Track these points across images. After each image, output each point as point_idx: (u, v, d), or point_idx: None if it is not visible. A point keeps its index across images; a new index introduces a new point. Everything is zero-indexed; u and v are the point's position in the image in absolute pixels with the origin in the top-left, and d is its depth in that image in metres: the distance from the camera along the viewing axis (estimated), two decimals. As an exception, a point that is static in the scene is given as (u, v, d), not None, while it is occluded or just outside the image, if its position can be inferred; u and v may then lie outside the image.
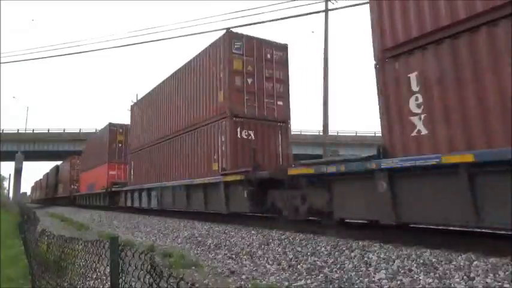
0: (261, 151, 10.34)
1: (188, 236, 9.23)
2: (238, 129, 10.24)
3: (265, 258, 6.17)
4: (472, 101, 4.78)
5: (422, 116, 5.31)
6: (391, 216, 5.54)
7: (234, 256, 6.68)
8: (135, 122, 18.94)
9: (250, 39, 10.92)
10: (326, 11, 21.11)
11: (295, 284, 4.73)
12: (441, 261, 4.50)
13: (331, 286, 4.54)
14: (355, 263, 5.12)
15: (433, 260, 4.60)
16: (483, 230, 5.78)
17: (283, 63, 11.39)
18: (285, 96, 11.23)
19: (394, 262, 4.80)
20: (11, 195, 61.12)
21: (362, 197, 6.15)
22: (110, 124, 23.98)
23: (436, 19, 5.22)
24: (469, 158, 4.52)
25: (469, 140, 4.78)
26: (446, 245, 5.05)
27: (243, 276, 5.21)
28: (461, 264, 4.32)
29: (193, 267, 5.80)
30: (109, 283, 2.28)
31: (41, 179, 59.98)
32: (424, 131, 5.29)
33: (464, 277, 4.02)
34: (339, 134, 50.05)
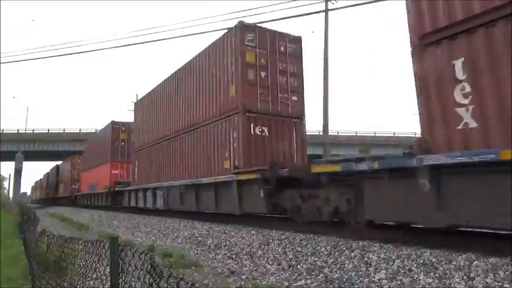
0: (275, 149, 9.97)
1: (188, 236, 9.23)
2: (252, 125, 9.74)
3: (265, 258, 6.17)
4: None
5: (470, 108, 4.76)
6: (437, 218, 4.99)
7: (234, 256, 6.68)
8: (140, 119, 18.31)
9: (263, 31, 10.52)
10: (326, 11, 21.11)
11: (295, 284, 4.73)
12: (441, 261, 4.50)
13: (331, 286, 4.54)
14: (355, 263, 5.12)
15: (433, 260, 4.60)
16: (483, 230, 5.79)
17: (297, 57, 10.89)
18: (300, 91, 10.72)
19: (394, 262, 4.80)
20: (11, 195, 61.12)
21: (399, 198, 5.53)
22: (113, 122, 23.42)
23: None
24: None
25: None
26: (446, 245, 5.04)
27: (243, 276, 5.21)
28: (461, 264, 4.32)
29: (193, 267, 5.81)
30: (109, 283, 2.28)
31: (41, 179, 59.94)
32: (472, 124, 4.76)
33: (464, 277, 4.02)
34: (339, 134, 50.08)
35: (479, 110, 4.71)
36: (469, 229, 5.82)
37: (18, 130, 57.04)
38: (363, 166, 5.90)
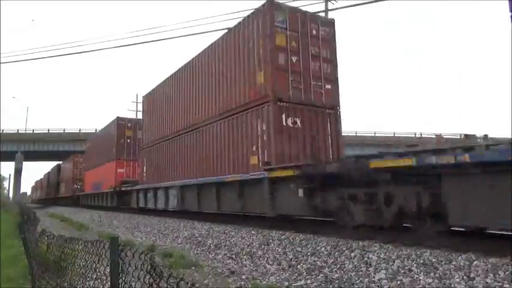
0: (308, 142, 9.01)
1: (188, 236, 9.23)
2: (283, 116, 8.73)
3: (265, 258, 6.17)
4: None
5: None
6: None
7: (234, 256, 6.68)
8: (149, 113, 17.08)
9: (293, 10, 9.58)
10: (326, 11, 21.14)
11: (295, 284, 4.73)
12: (441, 261, 4.50)
13: (331, 286, 4.54)
14: (355, 263, 5.12)
15: (433, 260, 4.60)
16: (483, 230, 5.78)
17: (330, 41, 9.89)
18: (334, 78, 9.77)
19: (394, 262, 4.80)
20: (11, 195, 61.12)
21: (502, 199, 4.47)
22: (118, 118, 22.30)
23: None
24: None
25: None
26: (446, 245, 5.05)
27: (243, 276, 5.21)
28: (461, 264, 4.32)
29: (193, 268, 5.81)
30: (109, 283, 2.28)
31: (41, 179, 59.87)
32: None
33: (464, 277, 4.02)
34: (338, 134, 49.93)
35: None
36: (469, 229, 5.81)
37: (18, 130, 56.99)
38: (446, 159, 4.88)
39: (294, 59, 9.18)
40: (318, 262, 5.47)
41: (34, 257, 4.65)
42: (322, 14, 21.15)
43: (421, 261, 4.65)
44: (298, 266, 5.49)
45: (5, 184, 72.25)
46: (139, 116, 22.76)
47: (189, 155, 12.53)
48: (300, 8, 10.44)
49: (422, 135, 52.50)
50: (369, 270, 4.76)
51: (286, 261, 5.79)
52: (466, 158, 4.64)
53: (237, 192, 9.52)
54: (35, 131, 56.33)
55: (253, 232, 8.12)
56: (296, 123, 8.91)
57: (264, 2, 9.53)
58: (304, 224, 8.42)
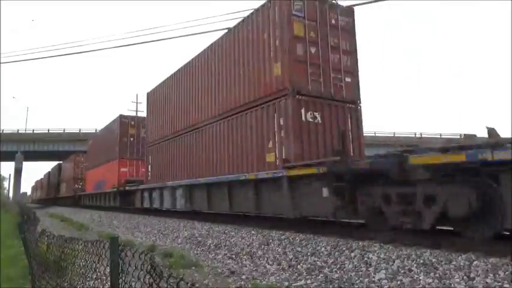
0: (328, 139, 8.45)
1: (188, 236, 9.23)
2: (303, 110, 8.19)
3: (265, 258, 6.17)
4: None
5: None
6: None
7: (234, 256, 6.68)
8: (154, 110, 16.41)
9: None
10: (326, 11, 21.07)
11: (295, 284, 4.73)
12: (441, 261, 4.50)
13: (331, 286, 4.54)
14: (355, 263, 5.12)
15: (433, 260, 4.60)
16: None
17: (350, 31, 9.37)
18: (354, 71, 9.24)
19: (394, 262, 4.80)
20: (11, 195, 61.13)
21: None
22: (121, 116, 21.70)
23: None
24: None
25: None
26: (446, 245, 5.05)
27: (243, 277, 5.21)
28: (461, 264, 4.32)
29: (193, 268, 5.81)
30: (109, 283, 2.28)
31: (41, 179, 59.81)
32: None
33: (464, 277, 4.02)
34: (338, 134, 49.92)
35: None
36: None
37: (18, 130, 57.02)
38: (502, 155, 4.40)
39: (313, 50, 8.64)
40: (318, 262, 5.47)
41: (34, 257, 4.65)
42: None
43: (421, 261, 4.65)
44: (298, 266, 5.49)
45: (5, 184, 72.25)
46: (139, 116, 22.59)
47: (198, 153, 11.91)
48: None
49: (423, 135, 52.54)
50: (369, 270, 4.76)
51: (286, 261, 5.79)
52: None
53: (252, 191, 8.96)
54: (35, 131, 56.34)
55: (253, 232, 8.12)
56: (316, 118, 8.36)
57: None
58: (304, 224, 8.41)
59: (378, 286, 4.30)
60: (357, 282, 4.50)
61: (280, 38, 8.62)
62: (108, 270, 2.31)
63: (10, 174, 60.57)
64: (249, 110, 9.46)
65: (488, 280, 3.86)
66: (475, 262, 4.30)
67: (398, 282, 4.26)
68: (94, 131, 42.91)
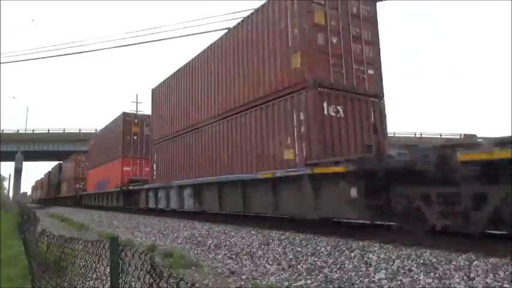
0: (351, 134, 7.94)
1: (188, 236, 9.23)
2: (325, 104, 7.69)
3: (265, 259, 6.17)
4: None
5: None
6: None
7: (234, 256, 6.68)
8: (160, 106, 15.76)
9: None
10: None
11: (295, 284, 4.73)
12: (441, 261, 4.50)
13: (331, 286, 4.54)
14: (355, 263, 5.12)
15: (433, 260, 4.60)
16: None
17: (372, 21, 8.93)
18: (377, 63, 8.76)
19: (394, 262, 4.81)
20: (11, 195, 61.16)
21: None
22: (124, 114, 21.09)
23: None
24: None
25: None
26: (446, 245, 5.05)
27: (243, 277, 5.21)
28: (461, 264, 4.33)
29: (193, 268, 5.81)
30: (109, 283, 2.28)
31: (42, 178, 59.76)
32: None
33: (464, 277, 4.02)
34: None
35: None
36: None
37: (18, 130, 57.05)
38: None
39: (334, 39, 8.15)
40: (318, 262, 5.47)
41: (34, 257, 4.65)
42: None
43: (421, 261, 4.65)
44: (298, 266, 5.49)
45: (5, 184, 72.28)
46: (143, 113, 21.82)
47: (208, 151, 11.33)
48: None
49: (423, 135, 52.54)
50: (368, 270, 4.76)
51: (286, 261, 5.79)
52: None
53: (270, 191, 8.37)
54: (35, 131, 56.37)
55: (253, 232, 8.12)
56: (338, 112, 7.82)
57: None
58: (304, 224, 8.41)
59: (377, 286, 4.30)
60: (357, 282, 4.50)
61: (299, 27, 8.07)
62: (108, 270, 2.30)
63: (10, 174, 60.63)
64: (265, 104, 8.91)
65: (488, 280, 3.86)
66: (475, 262, 4.30)
67: (398, 282, 4.26)
68: (94, 131, 42.88)
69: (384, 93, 8.69)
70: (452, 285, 3.94)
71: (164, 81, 15.62)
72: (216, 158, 10.85)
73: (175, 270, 5.37)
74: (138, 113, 21.96)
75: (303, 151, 7.71)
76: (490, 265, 4.14)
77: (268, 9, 9.10)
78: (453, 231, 5.16)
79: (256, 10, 9.65)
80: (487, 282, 3.83)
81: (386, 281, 4.35)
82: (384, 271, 4.61)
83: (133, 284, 2.22)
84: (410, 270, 4.48)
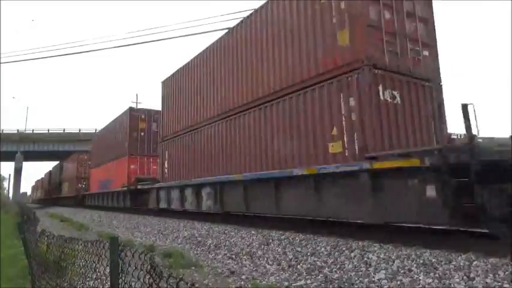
0: (410, 124, 6.93)
1: (188, 236, 9.23)
2: (380, 88, 6.65)
3: (265, 259, 6.17)
4: None
5: None
6: None
7: (233, 256, 6.68)
8: (172, 100, 14.61)
9: None
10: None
11: (295, 284, 4.73)
12: (441, 261, 4.50)
13: (331, 286, 4.54)
14: (355, 263, 5.12)
15: (433, 260, 4.60)
16: (483, 230, 5.79)
17: None
18: (432, 43, 7.81)
19: (394, 262, 4.81)
20: (10, 195, 61.18)
21: None
22: (131, 109, 20.07)
23: None
24: None
25: None
26: (446, 245, 5.05)
27: (243, 277, 5.21)
28: (461, 264, 4.33)
29: (193, 268, 5.81)
30: (109, 283, 2.28)
31: (42, 178, 59.68)
32: None
33: (464, 277, 4.02)
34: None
35: None
36: (469, 229, 5.81)
37: (18, 130, 57.09)
38: None
39: (387, 15, 7.21)
40: (317, 262, 5.47)
41: (34, 257, 4.65)
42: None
43: (421, 261, 4.65)
44: (298, 266, 5.49)
45: (5, 184, 72.29)
46: (150, 108, 20.82)
47: (232, 146, 10.23)
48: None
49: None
50: (368, 270, 4.76)
51: (286, 261, 5.79)
52: None
53: (311, 190, 7.24)
54: (35, 131, 56.42)
55: (253, 232, 8.12)
56: (395, 98, 6.84)
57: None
58: (304, 224, 8.42)
59: (377, 286, 4.30)
60: (357, 282, 4.50)
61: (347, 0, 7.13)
62: (108, 270, 2.30)
63: (10, 174, 60.61)
64: (302, 90, 7.87)
65: (488, 280, 3.86)
66: (475, 262, 4.30)
67: (398, 282, 4.26)
68: (94, 131, 42.86)
69: (441, 77, 7.73)
70: (452, 285, 3.94)
71: (178, 70, 14.35)
72: (241, 154, 9.76)
73: (175, 270, 5.37)
74: (145, 108, 20.53)
75: (354, 143, 6.65)
76: (489, 265, 4.14)
77: None
78: None
79: None
80: (487, 282, 3.83)
81: (386, 281, 4.35)
82: (383, 271, 4.61)
83: (133, 284, 2.22)
84: (410, 270, 4.48)
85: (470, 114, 5.19)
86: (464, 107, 5.14)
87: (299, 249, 6.26)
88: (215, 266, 5.97)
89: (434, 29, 7.98)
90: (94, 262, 2.98)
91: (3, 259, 6.64)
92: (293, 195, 7.88)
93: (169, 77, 15.19)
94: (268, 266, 5.76)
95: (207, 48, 12.26)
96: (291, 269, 5.44)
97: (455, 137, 6.30)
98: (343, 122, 6.91)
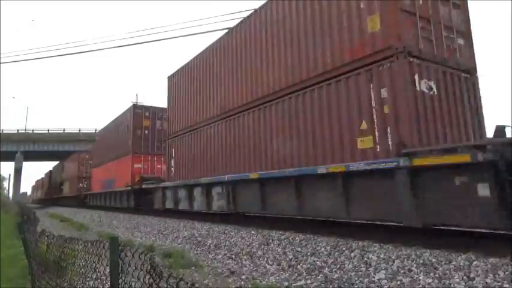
0: (447, 117, 6.42)
1: (188, 236, 9.23)
2: (416, 77, 6.15)
3: (265, 259, 6.17)
4: None
5: None
6: None
7: (233, 256, 6.68)
8: (180, 94, 14.01)
9: None
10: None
11: (295, 284, 4.73)
12: (441, 261, 4.50)
13: (331, 286, 4.54)
14: (355, 263, 5.12)
15: (433, 260, 4.60)
16: (483, 230, 5.79)
17: None
18: (467, 31, 7.39)
19: (394, 262, 4.81)
20: (10, 195, 61.23)
21: None
22: (134, 105, 19.41)
23: None
24: None
25: None
26: (446, 245, 5.05)
27: (243, 277, 5.21)
28: (461, 264, 4.33)
29: (193, 268, 5.81)
30: (109, 283, 2.28)
31: (42, 178, 59.65)
32: None
33: (464, 277, 4.02)
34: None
35: None
36: (469, 229, 5.82)
37: (18, 130, 57.13)
38: None
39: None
40: (317, 262, 5.47)
41: (34, 257, 4.66)
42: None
43: (421, 261, 4.65)
44: (298, 266, 5.49)
45: (5, 184, 72.35)
46: (154, 106, 20.28)
47: (246, 143, 9.64)
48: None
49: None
50: (368, 270, 4.76)
51: (286, 261, 5.79)
52: None
53: (339, 189, 6.68)
54: (35, 131, 56.48)
55: (253, 232, 8.12)
56: (431, 89, 6.34)
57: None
58: (304, 224, 8.42)
59: (377, 286, 4.30)
60: (357, 282, 4.50)
61: None
62: (108, 270, 2.31)
63: (10, 174, 60.66)
64: (324, 82, 7.35)
65: (488, 280, 3.86)
66: (475, 262, 4.30)
67: (398, 282, 4.26)
68: (94, 131, 42.86)
69: (477, 69, 7.27)
70: (452, 285, 3.94)
71: (187, 64, 13.70)
72: (256, 151, 9.24)
73: (175, 270, 5.37)
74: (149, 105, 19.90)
75: (387, 137, 6.11)
76: (489, 265, 4.14)
77: None
78: None
79: None
80: (486, 282, 3.83)
81: (386, 281, 4.35)
82: (383, 271, 4.61)
83: (133, 284, 2.22)
84: (410, 270, 4.48)
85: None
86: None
87: (299, 249, 6.26)
88: (215, 266, 5.97)
89: (469, 17, 7.55)
90: (94, 262, 2.98)
91: (3, 259, 6.64)
92: (318, 195, 7.24)
93: (176, 72, 14.56)
94: (268, 266, 5.76)
95: (219, 39, 11.66)
96: (291, 269, 5.44)
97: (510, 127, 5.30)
98: (374, 115, 6.36)
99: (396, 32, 6.20)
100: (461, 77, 6.92)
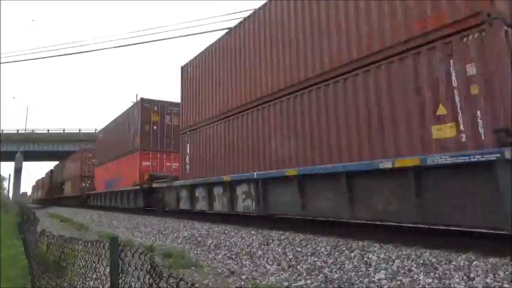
0: None
1: (188, 236, 9.23)
2: None
3: (265, 259, 6.17)
4: None
5: None
6: None
7: (233, 256, 6.68)
8: (196, 84, 12.67)
9: None
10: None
11: (295, 284, 4.73)
12: (441, 261, 4.50)
13: (331, 286, 4.54)
14: (355, 263, 5.12)
15: (433, 260, 4.60)
16: (483, 230, 5.80)
17: None
18: None
19: (394, 262, 4.81)
20: (10, 195, 61.26)
21: None
22: (143, 99, 18.29)
23: None
24: None
25: None
26: (446, 245, 5.05)
27: (243, 277, 5.21)
28: (461, 264, 4.33)
29: (193, 268, 5.81)
30: (109, 283, 2.28)
31: (43, 178, 59.58)
32: None
33: (464, 277, 4.02)
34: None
35: None
36: (469, 229, 5.82)
37: (18, 130, 57.16)
38: None
39: None
40: (317, 262, 5.47)
41: (34, 257, 4.66)
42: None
43: (421, 261, 4.65)
44: (298, 266, 5.49)
45: (5, 184, 72.37)
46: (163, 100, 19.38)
47: (279, 133, 8.43)
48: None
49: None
50: (368, 270, 4.76)
51: (286, 262, 5.79)
52: None
53: (411, 188, 5.46)
54: (35, 131, 56.52)
55: (253, 232, 8.13)
56: None
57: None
58: (304, 224, 8.42)
59: (377, 286, 4.30)
60: (357, 282, 4.50)
61: None
62: (108, 270, 2.31)
63: (10, 174, 60.67)
64: (385, 60, 6.15)
65: (488, 280, 3.86)
66: (475, 262, 4.31)
67: (398, 282, 4.26)
68: (94, 131, 42.86)
69: None
70: (452, 285, 3.94)
71: (199, 55, 12.66)
72: (294, 144, 8.02)
73: (175, 270, 5.37)
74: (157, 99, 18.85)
75: (477, 124, 4.95)
76: (489, 265, 4.15)
77: None
78: None
79: None
80: (486, 282, 3.83)
81: (386, 281, 4.35)
82: (383, 271, 4.61)
83: (133, 284, 2.22)
84: (410, 270, 4.48)
85: None
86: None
87: (299, 249, 6.27)
88: (215, 266, 5.97)
89: None
90: (94, 262, 2.98)
91: (3, 259, 6.64)
92: (378, 195, 6.00)
93: (191, 60, 13.25)
94: (268, 266, 5.76)
95: (244, 20, 10.38)
96: (291, 269, 5.44)
97: None
98: (456, 98, 5.19)
99: None
100: None
